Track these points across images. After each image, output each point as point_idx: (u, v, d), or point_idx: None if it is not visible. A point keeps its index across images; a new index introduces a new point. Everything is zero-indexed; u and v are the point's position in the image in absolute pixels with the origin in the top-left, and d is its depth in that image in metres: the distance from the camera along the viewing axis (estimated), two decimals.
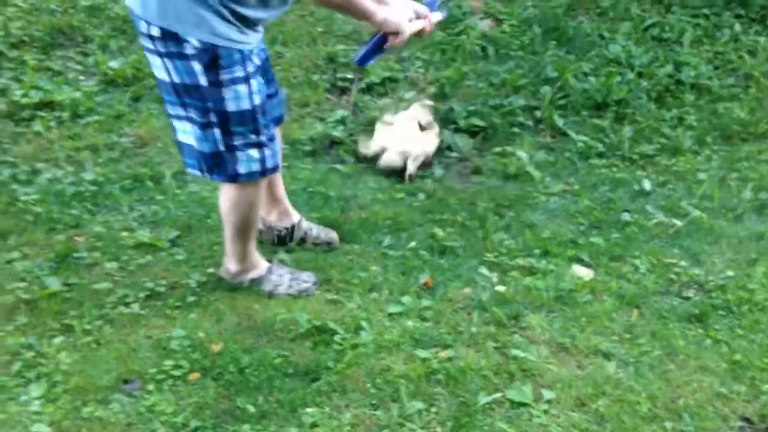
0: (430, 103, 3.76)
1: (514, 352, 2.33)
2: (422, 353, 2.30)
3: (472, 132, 3.76)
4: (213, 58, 2.15)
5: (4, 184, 3.12)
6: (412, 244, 2.95)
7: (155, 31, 2.13)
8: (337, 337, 2.35)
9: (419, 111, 3.66)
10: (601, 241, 3.02)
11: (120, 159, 3.28)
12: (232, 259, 2.58)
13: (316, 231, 2.88)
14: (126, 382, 2.16)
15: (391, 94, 3.89)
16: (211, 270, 2.68)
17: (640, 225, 3.17)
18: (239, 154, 2.30)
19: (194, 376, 2.19)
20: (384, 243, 2.96)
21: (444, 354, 2.32)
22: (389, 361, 2.26)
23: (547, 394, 2.17)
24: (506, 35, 4.26)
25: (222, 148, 2.29)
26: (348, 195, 3.29)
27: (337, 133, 3.60)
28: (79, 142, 3.32)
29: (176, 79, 2.21)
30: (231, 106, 2.23)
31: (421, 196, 3.33)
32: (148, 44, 2.21)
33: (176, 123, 2.36)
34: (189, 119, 2.29)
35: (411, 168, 3.41)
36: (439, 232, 3.01)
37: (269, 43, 3.98)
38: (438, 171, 3.54)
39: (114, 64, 3.65)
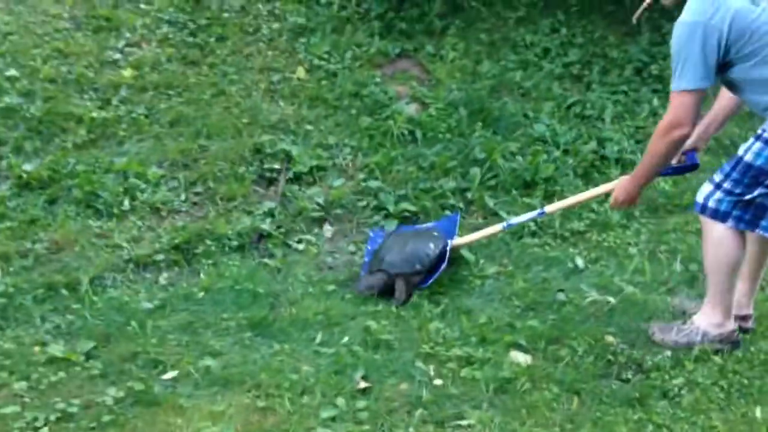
0: None
1: None
2: None
3: (403, 217, 3.72)
4: None
5: None
6: (345, 339, 2.85)
7: None
8: None
9: None
10: (537, 323, 2.98)
11: (33, 267, 3.10)
12: None
13: None
14: None
15: (320, 183, 3.85)
16: (130, 383, 2.51)
17: (575, 304, 3.15)
18: None
19: None
20: (316, 340, 2.85)
21: None
22: None
23: None
24: (433, 118, 4.29)
25: None
26: (278, 290, 3.18)
27: (266, 225, 3.51)
28: None
29: None
30: None
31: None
32: None
33: None
34: None
35: None
36: (373, 324, 2.92)
37: (193, 136, 3.92)
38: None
39: (28, 166, 3.50)
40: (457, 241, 3.38)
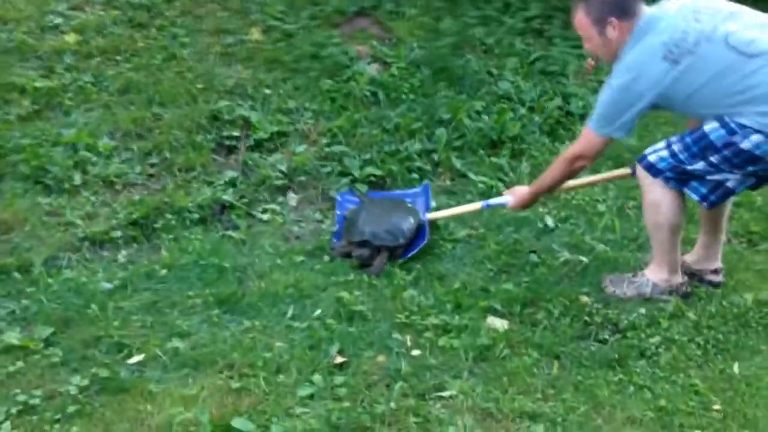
0: None
1: (438, 426, 2.17)
2: None
3: (369, 182, 3.62)
4: None
5: None
6: (318, 312, 2.76)
7: None
8: None
9: None
10: (511, 286, 2.93)
11: None
12: None
13: None
14: None
15: (282, 149, 3.71)
16: (94, 370, 2.39)
17: (548, 265, 3.12)
18: None
19: None
20: (288, 314, 2.76)
21: None
22: None
23: None
24: (396, 78, 4.17)
25: None
26: (244, 263, 3.06)
27: (227, 196, 3.37)
28: None
29: None
30: None
31: (324, 257, 3.15)
32: None
33: None
34: None
35: None
36: (346, 295, 2.83)
37: (145, 104, 3.73)
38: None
39: None
40: (433, 215, 3.32)
